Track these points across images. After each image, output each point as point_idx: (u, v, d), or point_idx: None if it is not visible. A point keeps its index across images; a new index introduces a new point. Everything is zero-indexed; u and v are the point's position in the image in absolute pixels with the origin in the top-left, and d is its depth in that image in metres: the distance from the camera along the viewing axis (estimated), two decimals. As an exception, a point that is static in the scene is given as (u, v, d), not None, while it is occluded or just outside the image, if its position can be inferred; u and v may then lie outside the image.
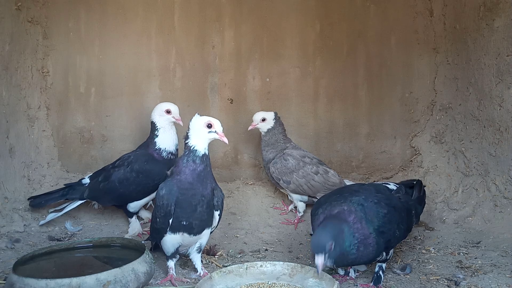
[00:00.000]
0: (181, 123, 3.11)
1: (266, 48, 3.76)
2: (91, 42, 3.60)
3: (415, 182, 2.78)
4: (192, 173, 2.26)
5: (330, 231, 2.08)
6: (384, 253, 2.28)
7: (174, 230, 2.32)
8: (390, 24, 3.73)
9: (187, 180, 2.26)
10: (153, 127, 3.14)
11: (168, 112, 3.11)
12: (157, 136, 3.12)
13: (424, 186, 2.86)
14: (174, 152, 3.14)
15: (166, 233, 2.34)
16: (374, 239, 2.17)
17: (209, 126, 2.30)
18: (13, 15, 3.22)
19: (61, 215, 3.17)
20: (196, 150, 2.28)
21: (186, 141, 2.31)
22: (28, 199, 3.16)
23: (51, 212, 3.16)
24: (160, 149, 3.10)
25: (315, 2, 3.75)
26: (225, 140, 2.33)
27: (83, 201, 3.17)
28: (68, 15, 3.55)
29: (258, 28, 3.74)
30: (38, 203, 3.14)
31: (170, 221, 2.29)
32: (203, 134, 2.29)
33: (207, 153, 2.31)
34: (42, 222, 3.13)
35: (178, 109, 3.15)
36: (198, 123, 2.31)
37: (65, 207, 3.16)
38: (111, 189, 3.06)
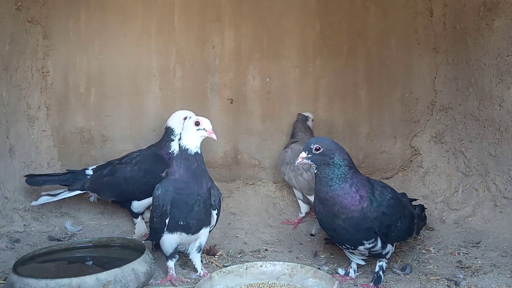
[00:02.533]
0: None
1: (266, 48, 3.76)
2: (91, 42, 3.60)
3: (417, 205, 2.89)
4: (186, 172, 2.29)
5: (331, 141, 2.24)
6: (380, 243, 2.27)
7: (172, 230, 2.33)
8: (390, 24, 3.73)
9: (182, 179, 2.28)
10: (169, 132, 3.13)
11: (197, 124, 3.06)
12: (172, 140, 3.11)
13: (426, 208, 2.97)
14: None
15: (163, 233, 2.35)
16: (367, 201, 2.18)
17: (197, 124, 2.33)
18: (13, 15, 3.22)
19: (56, 202, 3.17)
20: (187, 149, 2.31)
21: (179, 141, 2.36)
22: (25, 175, 3.13)
23: (45, 195, 3.12)
24: (173, 152, 3.08)
25: (315, 2, 3.75)
26: (214, 136, 2.35)
27: (82, 192, 3.14)
28: (68, 15, 3.55)
29: (258, 28, 3.74)
30: (35, 181, 3.12)
31: (167, 221, 2.30)
32: (193, 132, 2.32)
33: (200, 152, 2.33)
34: (34, 203, 3.09)
35: (209, 121, 3.04)
36: (188, 123, 2.35)
37: (60, 193, 3.12)
38: (114, 185, 3.05)
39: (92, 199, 3.29)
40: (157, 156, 3.10)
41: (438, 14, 3.61)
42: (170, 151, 3.09)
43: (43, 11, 3.49)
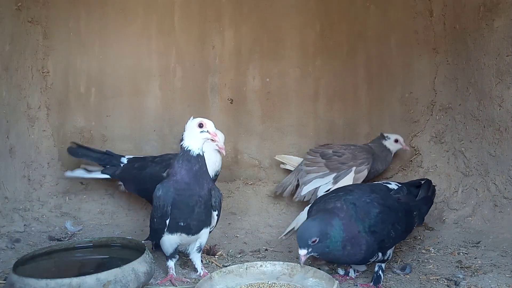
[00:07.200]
0: (223, 151, 2.78)
1: (266, 48, 3.76)
2: (91, 42, 3.60)
3: (422, 182, 2.78)
4: (188, 173, 2.28)
5: (318, 224, 2.13)
6: (380, 254, 2.27)
7: (172, 230, 2.33)
8: (390, 24, 3.73)
9: (184, 180, 2.28)
10: None
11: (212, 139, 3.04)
12: None
13: (434, 185, 2.86)
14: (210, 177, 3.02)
15: (164, 234, 2.35)
16: (364, 238, 2.16)
17: (201, 125, 2.33)
18: (13, 15, 3.22)
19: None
20: (190, 150, 2.30)
21: (181, 143, 2.35)
22: (71, 142, 3.31)
23: (82, 168, 3.25)
24: None
25: (315, 2, 3.75)
26: (217, 139, 2.36)
27: (111, 177, 3.21)
28: (68, 15, 3.56)
29: (258, 28, 3.74)
30: (75, 151, 3.24)
31: (167, 221, 2.29)
32: (196, 134, 2.32)
33: (202, 154, 2.33)
34: (69, 174, 3.23)
35: (223, 137, 3.06)
36: (191, 124, 2.35)
37: (94, 171, 3.22)
38: (140, 180, 3.05)
39: (122, 188, 3.29)
40: None
41: (438, 14, 3.61)
42: None
43: (43, 11, 3.49)
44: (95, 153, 3.25)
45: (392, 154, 3.54)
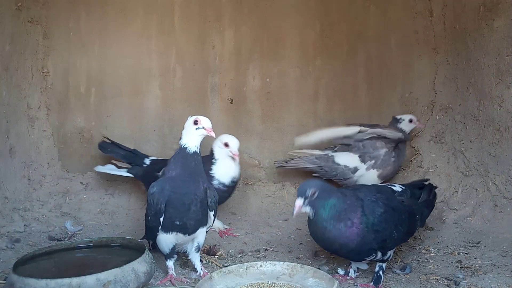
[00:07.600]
0: (237, 158, 3.02)
1: (266, 48, 3.76)
2: (91, 42, 3.61)
3: (425, 183, 2.79)
4: (183, 170, 2.28)
5: (321, 183, 2.21)
6: (380, 253, 2.27)
7: (167, 230, 2.32)
8: (390, 24, 3.73)
9: (179, 178, 2.28)
10: (211, 153, 3.08)
11: (226, 145, 3.02)
12: (213, 163, 3.05)
13: (436, 187, 2.87)
14: (226, 184, 3.01)
15: (158, 232, 2.34)
16: (363, 231, 2.18)
17: (196, 122, 2.34)
18: (13, 15, 3.22)
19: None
20: (186, 147, 2.31)
21: (179, 141, 2.36)
22: (104, 137, 3.40)
23: (113, 163, 3.33)
24: (213, 176, 3.01)
25: (315, 2, 3.75)
26: (212, 134, 2.36)
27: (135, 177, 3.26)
28: (68, 15, 3.56)
29: (258, 28, 3.74)
30: (105, 148, 3.34)
31: (161, 219, 2.29)
32: (192, 131, 2.33)
33: (198, 152, 2.34)
34: (99, 168, 3.31)
35: (237, 144, 3.05)
36: (188, 123, 2.37)
37: (122, 168, 3.30)
38: None
39: (143, 188, 3.33)
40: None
41: (438, 14, 3.61)
42: (210, 171, 3.01)
43: (43, 11, 3.49)
44: (123, 151, 3.32)
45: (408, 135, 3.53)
